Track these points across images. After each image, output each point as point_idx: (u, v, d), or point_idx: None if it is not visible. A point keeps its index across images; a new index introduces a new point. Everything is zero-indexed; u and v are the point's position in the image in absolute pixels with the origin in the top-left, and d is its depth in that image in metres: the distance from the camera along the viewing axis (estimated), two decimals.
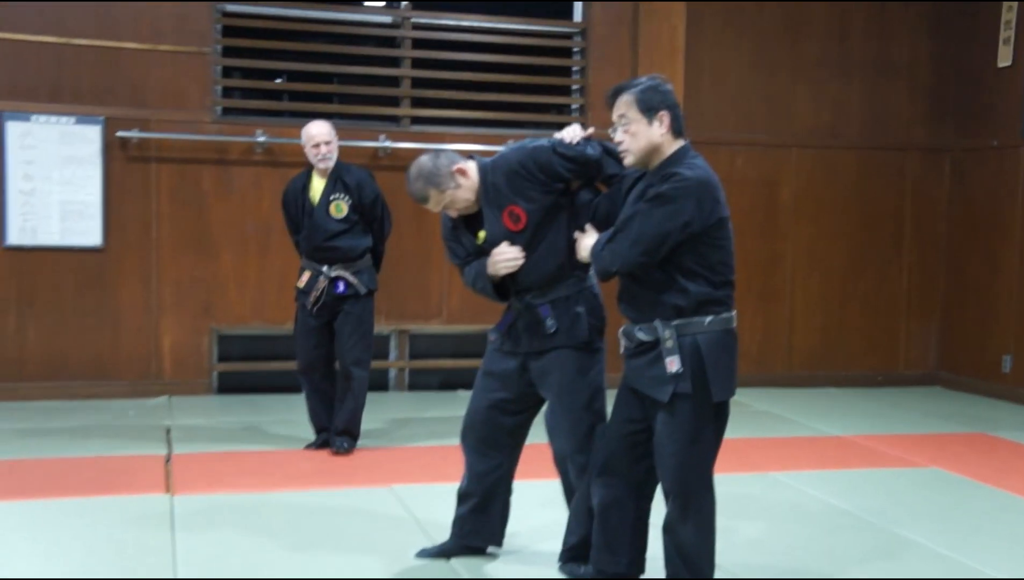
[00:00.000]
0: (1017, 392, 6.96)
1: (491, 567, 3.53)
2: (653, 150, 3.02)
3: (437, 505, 4.10)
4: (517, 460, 3.58)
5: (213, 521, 3.97)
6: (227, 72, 6.63)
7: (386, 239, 5.34)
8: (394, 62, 6.86)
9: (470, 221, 3.40)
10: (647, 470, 3.10)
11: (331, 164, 5.10)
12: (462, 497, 3.60)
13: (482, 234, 3.35)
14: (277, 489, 4.42)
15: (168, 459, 4.91)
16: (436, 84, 6.90)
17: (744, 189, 7.09)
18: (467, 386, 6.77)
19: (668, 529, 3.07)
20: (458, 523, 3.61)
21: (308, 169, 5.24)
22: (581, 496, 3.29)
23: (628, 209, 3.04)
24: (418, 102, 6.90)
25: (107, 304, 6.36)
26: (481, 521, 3.57)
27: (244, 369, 6.65)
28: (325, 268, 5.05)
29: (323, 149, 5.05)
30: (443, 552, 3.60)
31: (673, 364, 2.95)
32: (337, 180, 5.09)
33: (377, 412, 6.22)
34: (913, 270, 7.69)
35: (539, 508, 3.93)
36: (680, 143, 3.04)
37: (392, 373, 6.90)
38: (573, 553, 3.37)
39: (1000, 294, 7.19)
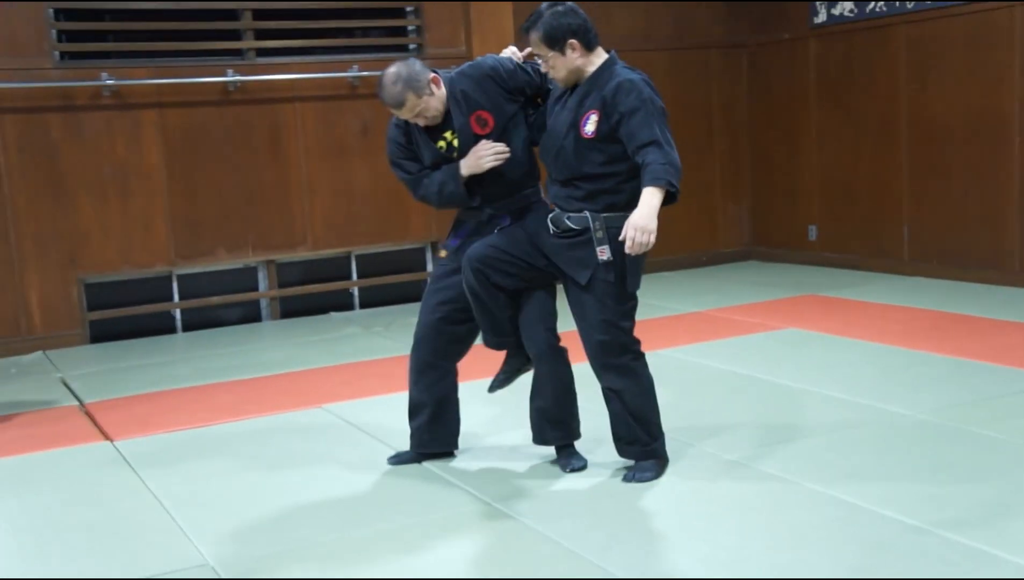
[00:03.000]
0: (823, 256, 7.94)
1: (465, 464, 3.80)
2: (575, 72, 3.39)
3: (376, 416, 4.44)
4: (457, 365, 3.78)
5: (172, 459, 4.09)
6: (63, 15, 6.42)
7: None
8: None
9: (429, 132, 3.57)
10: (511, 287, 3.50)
11: None
12: (415, 408, 3.77)
13: (449, 135, 3.54)
14: (212, 422, 4.56)
15: (84, 409, 4.97)
16: (277, 15, 6.95)
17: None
18: (338, 308, 7.12)
19: (612, 396, 3.49)
20: (416, 434, 3.79)
21: None
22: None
23: (598, 123, 3.30)
24: (261, 34, 6.93)
25: None
26: (437, 429, 3.77)
27: (116, 315, 6.63)
28: None
29: None
30: (410, 459, 3.82)
31: (604, 253, 3.34)
32: None
33: (267, 342, 6.44)
34: (724, 157, 8.49)
35: (481, 406, 4.25)
36: (602, 55, 3.41)
37: (264, 303, 7.05)
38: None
39: (801, 172, 8.10)
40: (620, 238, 3.25)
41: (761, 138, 8.45)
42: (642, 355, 3.54)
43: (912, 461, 3.58)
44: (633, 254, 3.23)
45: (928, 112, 7.07)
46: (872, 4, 7.36)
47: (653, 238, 3.18)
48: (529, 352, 3.63)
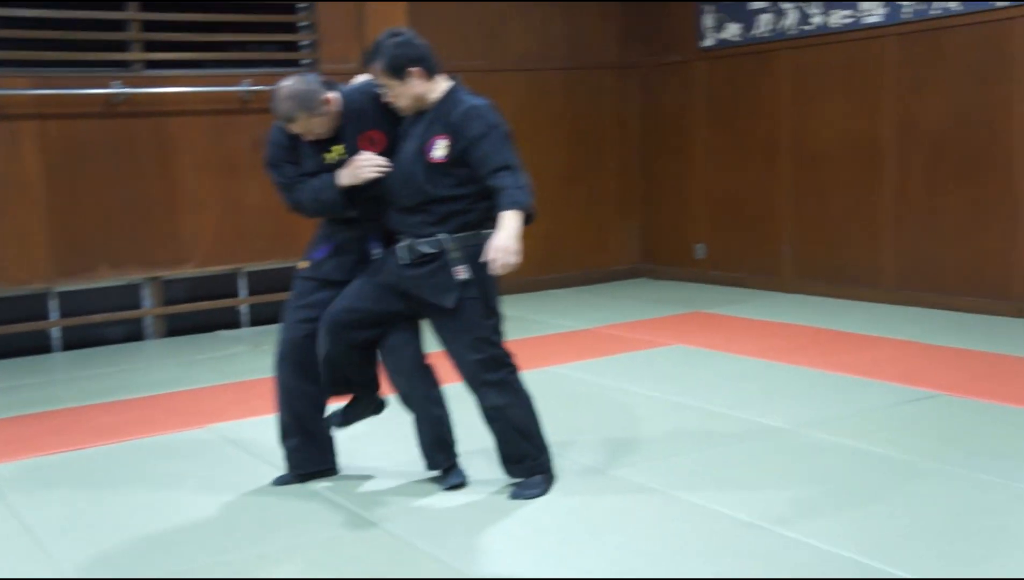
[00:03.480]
0: (710, 274, 8.13)
1: (345, 482, 3.78)
2: (418, 99, 3.45)
3: (262, 435, 4.35)
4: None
5: (43, 483, 3.95)
6: None
7: None
8: (119, 5, 6.67)
9: (316, 142, 3.56)
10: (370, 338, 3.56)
11: None
12: (286, 430, 3.74)
13: (337, 148, 3.53)
14: (90, 444, 4.43)
15: None
16: (166, 26, 6.81)
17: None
18: (224, 326, 6.98)
19: (496, 415, 3.51)
20: (292, 455, 3.75)
21: None
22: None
23: (443, 148, 3.38)
24: (149, 46, 6.78)
25: None
26: (311, 449, 3.74)
27: None
28: None
29: None
30: (291, 481, 3.77)
31: (461, 272, 3.41)
32: None
33: (151, 361, 6.28)
34: (616, 176, 8.63)
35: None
36: (446, 83, 3.48)
37: (148, 321, 6.87)
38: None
39: (690, 191, 8.29)
40: (481, 259, 3.32)
41: (652, 157, 8.62)
42: (517, 368, 3.57)
43: (790, 472, 3.69)
44: (497, 274, 3.30)
45: (809, 134, 7.32)
46: (756, 30, 7.59)
47: (517, 258, 3.25)
48: (396, 378, 3.63)
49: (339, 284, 3.64)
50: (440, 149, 3.40)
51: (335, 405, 3.82)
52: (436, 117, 3.44)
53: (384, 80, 3.43)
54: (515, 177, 3.33)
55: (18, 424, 4.85)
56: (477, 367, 3.47)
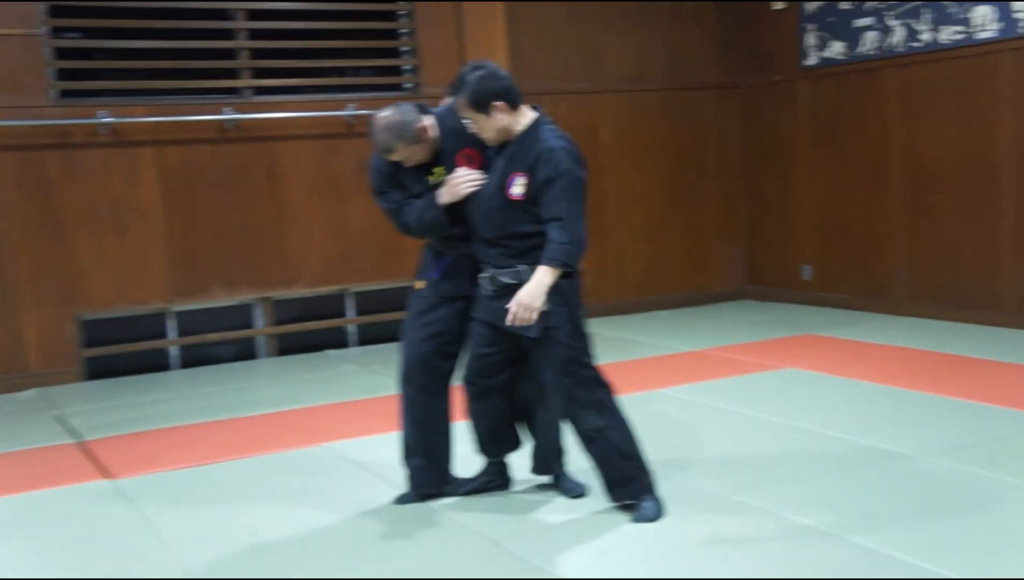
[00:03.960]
0: (818, 296, 7.99)
1: (467, 502, 3.79)
2: (503, 131, 3.48)
3: (378, 455, 4.42)
4: (450, 400, 3.79)
5: (173, 497, 4.07)
6: (60, 53, 6.45)
7: None
8: (229, 35, 6.89)
9: (418, 166, 3.61)
10: (508, 378, 3.65)
11: None
12: (409, 448, 3.77)
13: (439, 170, 3.59)
14: (213, 460, 4.55)
15: (82, 446, 4.94)
16: (273, 54, 7.00)
17: (568, 134, 7.64)
18: (334, 346, 7.11)
19: (594, 437, 3.49)
20: (415, 475, 3.77)
21: None
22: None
23: (522, 186, 3.42)
24: (258, 73, 6.97)
25: None
26: (435, 468, 3.77)
27: (112, 352, 6.60)
28: None
29: None
30: (412, 499, 3.79)
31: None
32: None
33: (264, 379, 6.42)
34: (718, 197, 8.55)
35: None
36: (529, 114, 3.50)
37: (260, 340, 7.03)
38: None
39: (795, 212, 8.17)
40: (509, 310, 3.38)
41: (754, 178, 8.52)
42: (612, 389, 3.56)
43: (920, 502, 3.59)
44: (513, 326, 3.37)
45: (919, 153, 7.15)
46: (861, 48, 7.47)
47: (536, 316, 3.33)
48: (530, 399, 3.71)
49: (458, 300, 3.68)
50: (518, 186, 3.43)
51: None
52: (516, 152, 3.47)
53: (469, 114, 3.47)
54: (563, 231, 3.34)
55: (145, 439, 5.00)
56: (572, 390, 3.47)
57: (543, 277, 3.35)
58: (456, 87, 3.49)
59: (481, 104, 3.42)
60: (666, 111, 8.28)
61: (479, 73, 3.45)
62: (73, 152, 6.39)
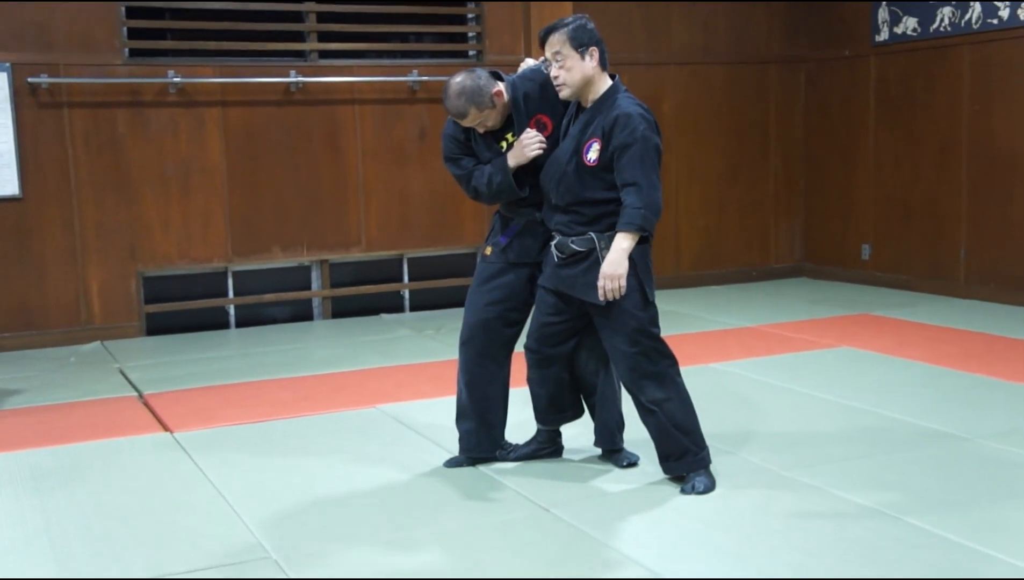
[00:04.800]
0: (876, 276, 7.88)
1: (516, 467, 3.82)
2: (586, 83, 3.45)
3: (430, 418, 4.46)
4: (510, 368, 3.81)
5: (231, 452, 4.14)
6: (131, 13, 6.54)
7: None
8: None
9: (490, 133, 3.62)
10: (571, 348, 3.67)
11: None
12: (462, 411, 3.78)
13: (511, 137, 3.60)
14: (271, 418, 4.63)
15: (142, 399, 5.05)
16: (339, 18, 7.03)
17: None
18: (388, 310, 7.17)
19: (654, 409, 3.49)
20: (465, 438, 3.80)
21: None
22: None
23: (595, 151, 3.42)
24: (323, 36, 7.01)
25: (30, 253, 6.31)
26: (486, 433, 3.78)
27: (172, 309, 6.73)
28: None
29: None
30: (461, 463, 3.83)
31: None
32: None
33: (319, 341, 6.50)
34: (778, 173, 8.45)
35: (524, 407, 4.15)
36: (608, 80, 3.49)
37: (316, 302, 7.12)
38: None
39: (857, 190, 8.04)
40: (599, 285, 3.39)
41: (817, 155, 8.40)
42: (676, 362, 3.55)
43: (974, 484, 3.55)
44: (607, 300, 3.37)
45: (992, 134, 6.99)
46: (937, 24, 7.30)
47: (624, 283, 3.35)
48: (592, 372, 3.72)
49: (526, 265, 3.68)
50: (594, 152, 3.43)
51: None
52: (592, 117, 3.46)
53: (565, 49, 3.41)
54: (638, 196, 3.35)
55: (203, 395, 5.10)
56: (636, 360, 3.46)
57: (621, 242, 3.36)
58: (552, 27, 3.44)
59: (581, 42, 3.41)
60: (729, 85, 8.18)
61: (580, 20, 3.46)
62: (142, 110, 6.50)
